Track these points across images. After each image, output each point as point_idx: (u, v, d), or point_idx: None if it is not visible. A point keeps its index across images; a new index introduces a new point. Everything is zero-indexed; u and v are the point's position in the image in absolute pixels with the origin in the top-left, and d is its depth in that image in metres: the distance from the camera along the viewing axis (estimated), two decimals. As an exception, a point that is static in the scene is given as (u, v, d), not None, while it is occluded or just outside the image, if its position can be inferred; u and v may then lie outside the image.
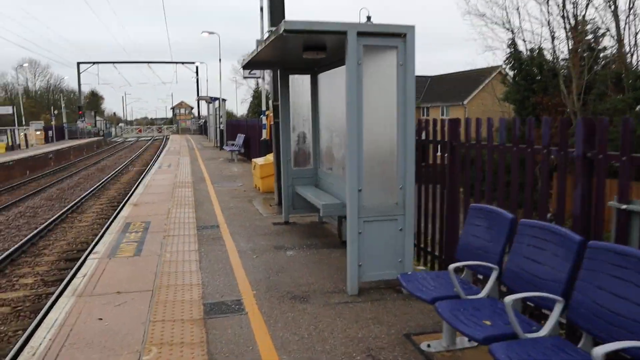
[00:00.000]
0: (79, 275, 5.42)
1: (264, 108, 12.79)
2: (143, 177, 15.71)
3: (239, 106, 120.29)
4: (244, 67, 7.06)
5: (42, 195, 16.31)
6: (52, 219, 11.77)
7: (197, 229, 7.44)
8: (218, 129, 28.10)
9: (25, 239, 9.83)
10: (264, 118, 12.69)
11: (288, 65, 7.33)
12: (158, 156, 26.02)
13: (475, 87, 42.64)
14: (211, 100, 30.55)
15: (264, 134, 12.83)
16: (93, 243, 8.93)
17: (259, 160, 11.42)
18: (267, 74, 12.20)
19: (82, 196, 15.51)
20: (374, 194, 4.63)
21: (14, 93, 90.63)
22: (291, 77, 7.47)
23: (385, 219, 4.65)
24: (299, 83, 7.59)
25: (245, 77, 12.66)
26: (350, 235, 4.57)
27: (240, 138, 20.03)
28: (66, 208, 13.33)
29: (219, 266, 5.61)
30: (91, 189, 17.15)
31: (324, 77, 7.15)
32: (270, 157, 11.40)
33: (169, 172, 15.95)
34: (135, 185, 15.09)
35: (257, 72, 11.83)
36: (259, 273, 5.36)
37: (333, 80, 6.69)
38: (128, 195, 11.78)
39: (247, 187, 12.08)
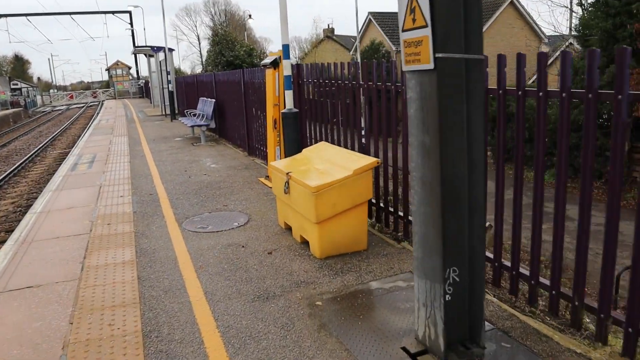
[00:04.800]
0: None
1: (283, 42, 5.57)
2: (34, 204, 7.72)
3: (181, 63, 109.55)
4: None
5: None
6: None
7: None
8: (166, 91, 20.42)
9: None
10: (288, 67, 5.57)
11: None
12: (83, 136, 18.12)
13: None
14: (153, 51, 22.46)
15: (286, 101, 5.79)
16: None
17: (296, 173, 4.52)
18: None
19: None
20: None
21: None
22: None
23: None
24: None
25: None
26: None
27: (207, 104, 12.71)
28: None
29: None
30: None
31: None
32: (322, 165, 4.52)
33: (87, 181, 8.57)
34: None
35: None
36: None
37: None
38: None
39: (266, 228, 5.21)
